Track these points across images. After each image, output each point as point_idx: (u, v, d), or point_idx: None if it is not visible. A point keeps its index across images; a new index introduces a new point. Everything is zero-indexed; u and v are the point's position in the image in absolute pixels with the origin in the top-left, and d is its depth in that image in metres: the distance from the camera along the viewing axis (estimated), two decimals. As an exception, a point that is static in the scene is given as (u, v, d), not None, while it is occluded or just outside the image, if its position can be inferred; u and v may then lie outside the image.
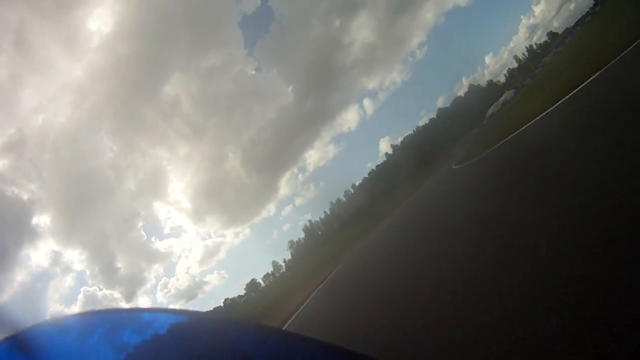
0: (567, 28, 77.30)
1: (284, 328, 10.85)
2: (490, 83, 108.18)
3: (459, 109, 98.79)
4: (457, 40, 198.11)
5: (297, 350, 1.18)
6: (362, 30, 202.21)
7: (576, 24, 68.55)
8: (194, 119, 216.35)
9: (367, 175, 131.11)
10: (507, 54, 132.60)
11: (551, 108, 11.55)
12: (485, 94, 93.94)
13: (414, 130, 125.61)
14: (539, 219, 4.15)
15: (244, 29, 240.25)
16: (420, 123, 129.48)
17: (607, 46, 12.38)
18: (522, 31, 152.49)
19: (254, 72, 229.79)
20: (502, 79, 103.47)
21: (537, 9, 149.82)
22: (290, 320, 14.28)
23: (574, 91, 10.63)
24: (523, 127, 13.34)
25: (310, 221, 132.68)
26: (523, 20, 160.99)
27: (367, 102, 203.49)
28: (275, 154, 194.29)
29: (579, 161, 4.98)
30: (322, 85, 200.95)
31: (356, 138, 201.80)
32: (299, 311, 16.10)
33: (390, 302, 5.85)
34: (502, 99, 65.45)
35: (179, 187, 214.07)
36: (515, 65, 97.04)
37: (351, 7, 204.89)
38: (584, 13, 69.84)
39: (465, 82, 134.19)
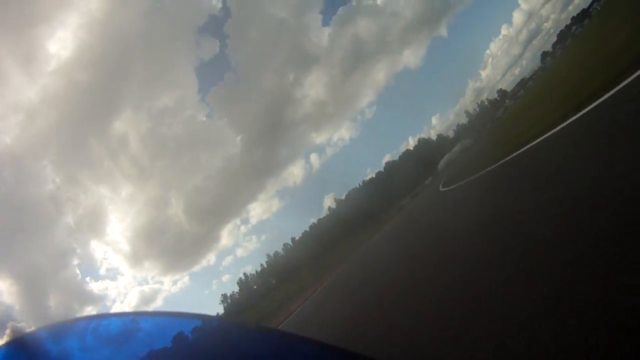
0: (522, 79, 79.24)
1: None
2: (440, 137, 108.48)
3: (408, 162, 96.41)
4: (406, 101, 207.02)
5: (297, 350, 1.22)
6: (314, 86, 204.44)
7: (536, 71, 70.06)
8: (141, 159, 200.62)
9: (307, 229, 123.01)
10: (454, 115, 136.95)
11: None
12: (435, 147, 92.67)
13: (359, 184, 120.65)
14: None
15: (199, 74, 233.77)
16: (367, 179, 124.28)
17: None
18: (469, 94, 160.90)
19: (204, 118, 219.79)
20: (452, 134, 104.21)
21: (484, 73, 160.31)
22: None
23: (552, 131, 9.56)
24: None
25: (245, 274, 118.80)
26: (470, 84, 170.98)
27: (314, 157, 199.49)
28: (219, 203, 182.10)
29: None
30: (271, 138, 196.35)
31: (301, 193, 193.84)
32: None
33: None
34: (456, 148, 65.07)
35: (119, 227, 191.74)
36: (465, 121, 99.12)
37: (306, 63, 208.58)
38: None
39: (412, 141, 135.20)
